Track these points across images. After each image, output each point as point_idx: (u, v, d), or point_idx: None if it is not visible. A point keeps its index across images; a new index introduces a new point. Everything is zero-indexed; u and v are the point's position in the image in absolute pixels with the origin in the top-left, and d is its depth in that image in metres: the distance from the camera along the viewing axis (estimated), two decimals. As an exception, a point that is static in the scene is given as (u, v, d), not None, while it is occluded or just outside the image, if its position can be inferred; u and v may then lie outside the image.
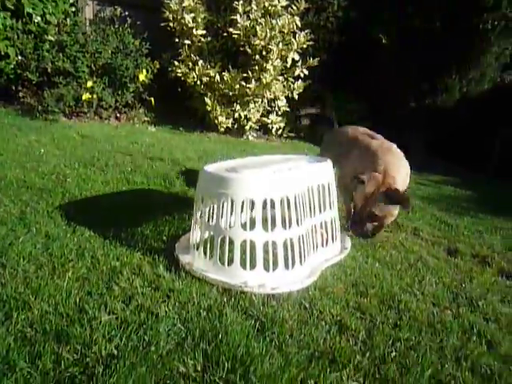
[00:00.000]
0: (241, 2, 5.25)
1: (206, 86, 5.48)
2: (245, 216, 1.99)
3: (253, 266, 1.83)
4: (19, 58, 4.79)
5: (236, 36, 5.35)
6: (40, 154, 3.47)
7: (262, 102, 5.74)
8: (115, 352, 1.34)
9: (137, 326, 1.47)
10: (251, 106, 5.65)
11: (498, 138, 6.34)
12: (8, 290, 1.58)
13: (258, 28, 5.23)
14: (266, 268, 1.85)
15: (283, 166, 2.13)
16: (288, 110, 5.99)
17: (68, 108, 4.82)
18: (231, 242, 1.85)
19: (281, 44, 5.41)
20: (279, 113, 5.99)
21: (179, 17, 5.31)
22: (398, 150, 2.54)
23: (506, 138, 6.21)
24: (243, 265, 1.83)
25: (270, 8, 5.41)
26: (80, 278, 1.75)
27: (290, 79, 5.79)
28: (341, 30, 6.41)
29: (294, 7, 5.51)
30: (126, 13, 5.82)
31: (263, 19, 5.30)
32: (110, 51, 5.10)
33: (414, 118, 6.44)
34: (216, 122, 5.58)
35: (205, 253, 1.92)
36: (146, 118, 5.51)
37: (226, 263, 1.85)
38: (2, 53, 4.67)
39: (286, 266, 1.87)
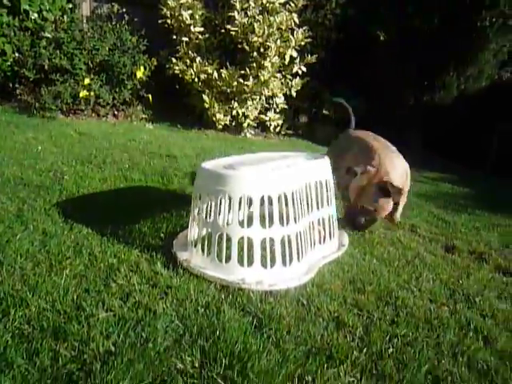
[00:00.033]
0: (238, -2, 5.24)
1: (204, 83, 5.47)
2: (242, 213, 1.99)
3: (250, 263, 1.83)
4: (16, 55, 4.77)
5: (234, 33, 5.34)
6: (37, 152, 3.46)
7: (259, 99, 5.73)
8: (113, 349, 1.34)
9: (134, 323, 1.47)
10: (249, 103, 5.64)
11: (496, 135, 6.35)
12: (5, 287, 1.58)
13: (255, 25, 5.22)
14: (264, 265, 1.85)
15: (281, 163, 2.13)
16: (286, 107, 5.99)
17: (65, 105, 4.80)
18: (229, 239, 1.85)
19: (279, 41, 5.40)
20: (277, 110, 5.98)
21: (177, 14, 5.29)
22: (398, 153, 2.55)
23: (504, 135, 6.22)
24: (241, 262, 1.84)
25: (267, 5, 5.39)
26: (77, 275, 1.74)
27: (288, 76, 5.78)
28: (339, 27, 6.40)
29: (292, 4, 5.49)
30: (124, 9, 5.77)
31: (261, 16, 5.29)
32: (107, 48, 5.08)
33: (413, 116, 6.45)
34: (214, 119, 5.58)
35: (202, 250, 1.92)
36: (143, 116, 5.50)
37: (224, 260, 1.85)
38: (-1, 50, 4.67)
39: (284, 263, 1.88)
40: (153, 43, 5.49)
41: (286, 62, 5.62)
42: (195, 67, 5.36)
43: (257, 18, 5.29)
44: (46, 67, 4.80)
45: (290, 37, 5.48)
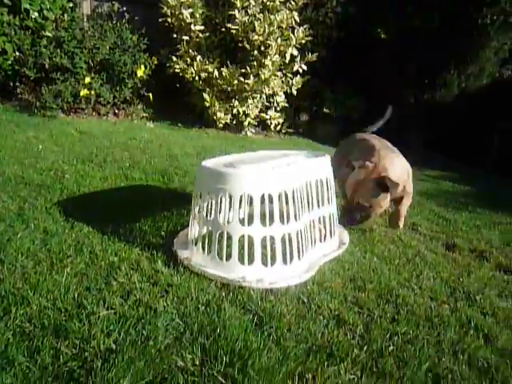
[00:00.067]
0: (239, -3, 5.23)
1: (205, 81, 5.47)
2: (243, 211, 1.99)
3: (251, 261, 1.83)
4: (17, 54, 4.77)
5: (234, 31, 5.33)
6: (38, 151, 3.46)
7: (260, 97, 5.73)
8: (113, 346, 1.34)
9: (135, 321, 1.48)
10: (250, 101, 5.64)
11: (497, 133, 6.34)
12: (6, 286, 1.58)
13: (256, 23, 5.22)
14: (264, 263, 1.85)
15: (281, 162, 2.13)
16: (287, 105, 5.99)
17: (66, 104, 4.80)
18: (229, 237, 1.85)
19: (279, 39, 5.39)
20: (278, 108, 5.98)
21: (177, 12, 5.29)
22: (400, 154, 2.54)
23: (505, 134, 6.21)
24: (241, 260, 1.84)
25: (268, 3, 5.38)
26: (78, 273, 1.75)
27: (289, 75, 5.78)
28: (339, 25, 6.39)
29: (293, 2, 5.49)
30: (124, 8, 5.79)
31: (261, 14, 5.28)
32: (107, 47, 5.08)
33: (413, 115, 6.44)
34: (214, 117, 5.58)
35: (203, 248, 1.92)
36: (144, 114, 5.50)
37: (225, 258, 1.86)
38: (0, 49, 4.66)
39: (284, 261, 1.88)
40: (153, 42, 5.49)
41: (287, 61, 5.61)
42: (196, 66, 5.36)
43: (257, 16, 5.28)
44: (47, 66, 4.80)
45: (291, 35, 5.48)
